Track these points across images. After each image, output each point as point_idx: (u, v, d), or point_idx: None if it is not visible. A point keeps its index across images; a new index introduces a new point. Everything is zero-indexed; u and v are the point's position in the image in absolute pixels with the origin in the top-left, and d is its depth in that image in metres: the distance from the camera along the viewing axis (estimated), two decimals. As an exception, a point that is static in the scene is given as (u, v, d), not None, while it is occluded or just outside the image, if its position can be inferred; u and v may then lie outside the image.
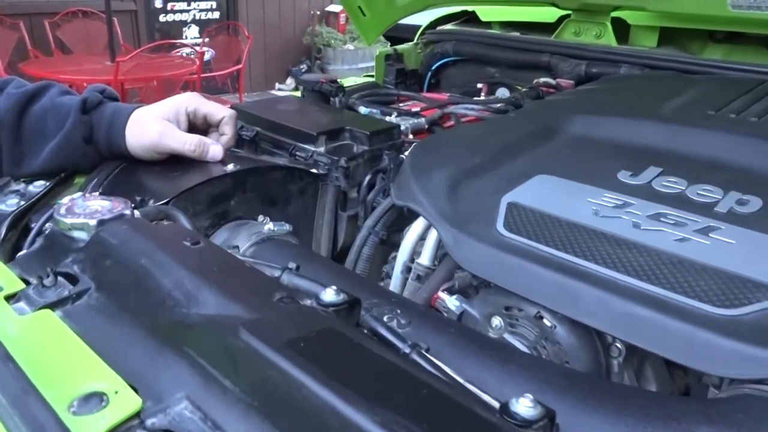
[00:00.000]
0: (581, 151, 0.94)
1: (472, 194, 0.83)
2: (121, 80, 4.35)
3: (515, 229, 0.74)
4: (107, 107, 0.97)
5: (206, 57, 5.53)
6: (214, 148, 0.98)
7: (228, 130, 1.02)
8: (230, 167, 0.95)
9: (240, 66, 5.57)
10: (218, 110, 1.02)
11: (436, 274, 0.84)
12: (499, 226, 0.75)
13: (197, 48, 5.57)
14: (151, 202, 0.86)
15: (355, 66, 7.77)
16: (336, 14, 7.94)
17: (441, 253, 0.88)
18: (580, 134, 0.99)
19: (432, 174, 0.87)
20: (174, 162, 1.02)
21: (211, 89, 6.07)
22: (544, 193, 0.81)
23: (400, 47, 1.81)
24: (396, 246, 1.01)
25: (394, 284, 0.91)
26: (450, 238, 0.75)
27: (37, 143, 0.93)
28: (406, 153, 1.10)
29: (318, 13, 7.87)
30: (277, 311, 0.55)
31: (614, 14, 1.60)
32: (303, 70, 7.70)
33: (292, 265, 0.67)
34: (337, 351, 0.50)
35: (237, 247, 0.81)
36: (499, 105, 1.32)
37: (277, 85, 7.70)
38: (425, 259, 0.87)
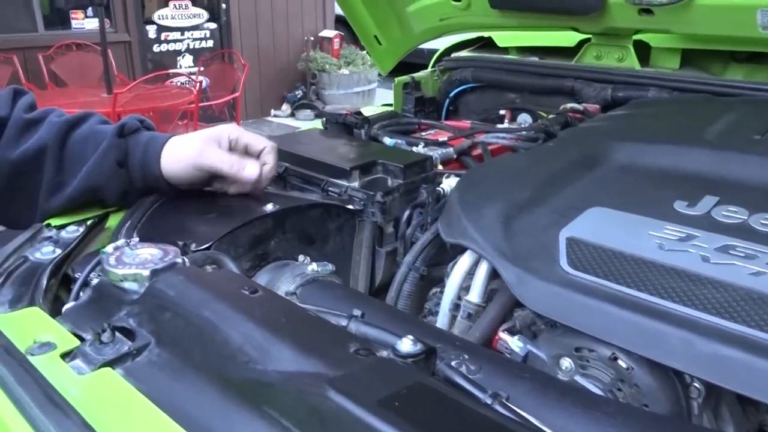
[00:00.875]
0: (629, 181, 0.94)
1: (528, 229, 0.82)
2: (119, 111, 4.35)
3: (580, 265, 0.73)
4: (144, 134, 0.97)
5: (202, 86, 5.55)
6: (250, 165, 0.97)
7: (269, 160, 1.01)
8: (269, 207, 0.94)
9: (237, 94, 5.59)
10: (259, 140, 1.01)
11: (487, 312, 0.83)
12: (563, 263, 0.74)
13: (193, 77, 5.60)
14: (193, 246, 0.85)
15: (351, 90, 7.82)
16: (330, 39, 8.01)
17: (490, 289, 0.87)
18: (625, 163, 0.98)
19: (482, 209, 0.86)
20: (208, 202, 1.01)
21: (208, 118, 6.08)
22: (601, 226, 0.80)
23: (417, 75, 1.81)
24: (436, 282, 1.00)
25: (441, 322, 0.90)
26: (513, 277, 0.73)
27: (75, 170, 0.92)
28: (444, 185, 1.10)
29: (312, 38, 7.93)
30: (358, 366, 0.54)
31: (635, 36, 1.61)
32: (298, 96, 7.74)
33: (357, 312, 0.66)
34: (432, 408, 0.49)
35: (295, 294, 0.80)
36: (529, 133, 1.31)
37: (273, 112, 7.73)
38: (474, 296, 0.85)
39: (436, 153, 1.27)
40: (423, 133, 1.50)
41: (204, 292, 0.65)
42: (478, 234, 0.81)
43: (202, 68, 6.29)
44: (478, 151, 1.35)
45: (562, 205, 0.87)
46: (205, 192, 1.02)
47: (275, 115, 7.70)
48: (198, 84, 4.95)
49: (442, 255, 0.99)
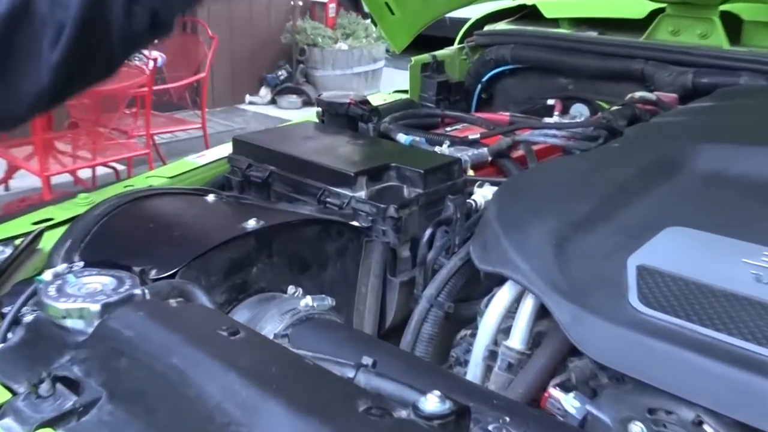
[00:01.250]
0: (717, 193, 0.95)
1: (587, 255, 0.83)
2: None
3: (654, 302, 0.74)
4: None
5: (157, 63, 5.60)
6: None
7: None
8: (251, 223, 0.96)
9: (202, 75, 5.63)
10: None
11: (534, 361, 0.84)
12: (632, 298, 0.75)
13: (145, 53, 5.64)
14: (153, 273, 0.86)
15: (350, 70, 7.85)
16: (323, 4, 8.06)
17: (536, 332, 0.88)
18: (711, 170, 1.00)
19: (529, 228, 0.87)
20: (172, 216, 1.03)
21: (164, 105, 6.11)
22: (681, 251, 0.82)
23: (440, 53, 1.83)
24: (466, 322, 1.01)
25: (473, 374, 0.91)
26: (567, 316, 0.75)
27: None
28: (476, 197, 1.11)
29: (300, 4, 7.98)
30: (372, 429, 0.55)
31: (723, 7, 1.63)
32: (281, 77, 7.78)
33: (367, 360, 0.67)
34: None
35: (285, 336, 0.81)
36: (586, 129, 1.33)
37: (248, 98, 7.77)
38: (517, 341, 0.86)
39: (465, 154, 1.28)
40: (448, 129, 1.52)
41: (170, 332, 0.66)
42: (521, 260, 0.82)
43: (156, 41, 6.34)
44: (520, 153, 1.37)
45: (630, 223, 0.88)
46: (169, 202, 1.04)
47: (251, 103, 7.74)
48: (151, 62, 4.99)
49: (474, 287, 1.00)
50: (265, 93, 7.90)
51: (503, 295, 0.88)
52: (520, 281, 0.82)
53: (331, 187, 1.12)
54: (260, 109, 7.65)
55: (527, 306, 0.85)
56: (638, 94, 1.53)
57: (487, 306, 0.90)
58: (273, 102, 7.80)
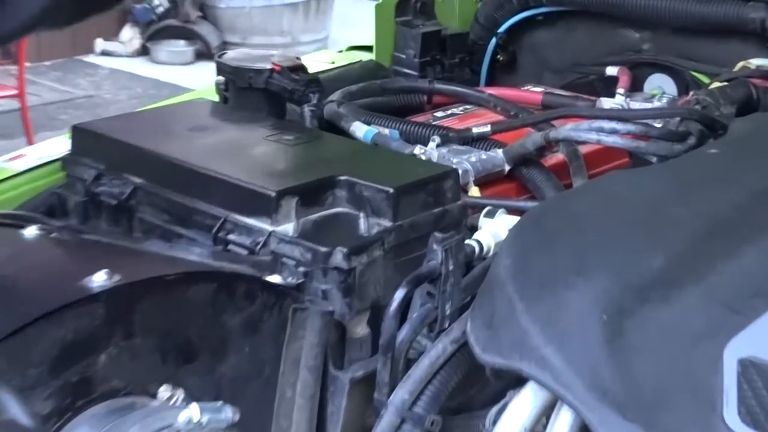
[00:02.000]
0: None
1: (658, 341, 0.85)
2: None
3: (764, 419, 0.76)
4: None
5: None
6: None
7: None
8: (100, 279, 0.96)
9: (21, 5, 5.62)
10: None
11: None
12: (729, 413, 0.77)
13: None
14: None
15: (277, 1, 7.88)
16: None
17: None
18: None
19: (565, 294, 0.89)
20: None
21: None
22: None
23: (426, -15, 1.85)
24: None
25: None
26: (626, 444, 0.77)
27: None
28: (481, 235, 1.13)
29: None
30: None
31: None
32: (159, 10, 7.78)
33: None
34: None
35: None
36: (668, 122, 1.35)
37: (100, 45, 7.76)
38: (546, 483, 0.89)
39: (465, 160, 1.30)
40: (438, 113, 1.53)
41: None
42: (552, 348, 0.84)
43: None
44: (558, 158, 1.39)
45: (730, 286, 0.91)
46: None
47: (106, 53, 7.72)
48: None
49: (475, 390, 1.02)
50: (130, 36, 7.90)
51: (522, 406, 0.90)
52: (550, 384, 0.84)
53: (238, 216, 1.13)
54: (122, 64, 7.64)
55: (561, 424, 0.87)
56: (755, 61, 1.56)
57: (495, 422, 0.92)
58: (144, 52, 7.79)
